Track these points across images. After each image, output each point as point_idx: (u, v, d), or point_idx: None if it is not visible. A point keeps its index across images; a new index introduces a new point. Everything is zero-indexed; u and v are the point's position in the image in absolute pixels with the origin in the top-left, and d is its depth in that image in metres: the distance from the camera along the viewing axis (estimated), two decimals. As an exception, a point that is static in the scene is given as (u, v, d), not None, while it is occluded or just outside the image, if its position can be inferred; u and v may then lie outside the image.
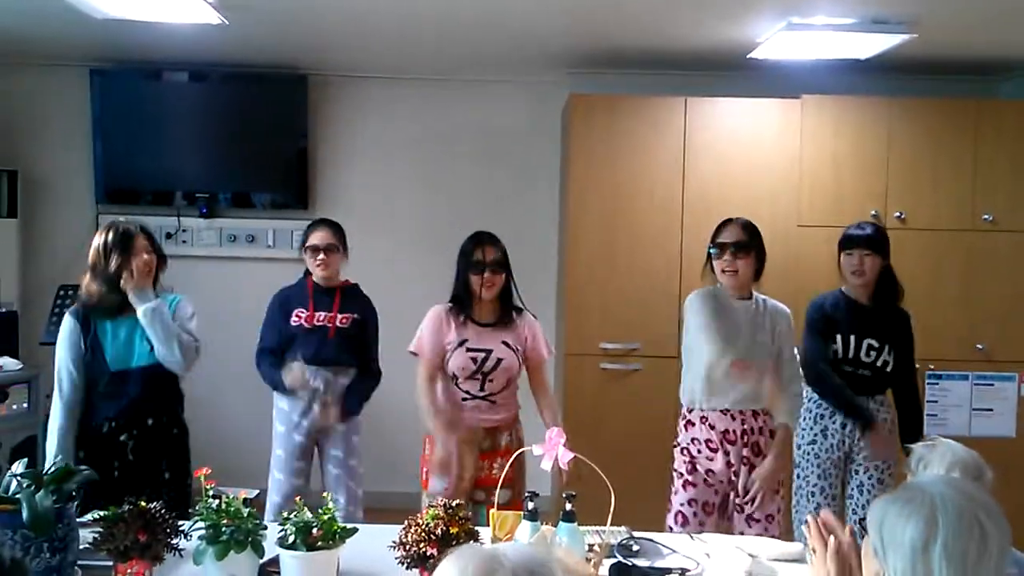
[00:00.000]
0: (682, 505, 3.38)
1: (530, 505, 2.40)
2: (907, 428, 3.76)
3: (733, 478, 3.34)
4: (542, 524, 2.45)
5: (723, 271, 3.37)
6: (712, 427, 3.37)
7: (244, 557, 2.23)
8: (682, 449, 3.44)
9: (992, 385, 4.80)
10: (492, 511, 2.62)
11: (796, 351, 3.51)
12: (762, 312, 3.43)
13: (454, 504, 2.33)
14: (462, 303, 3.45)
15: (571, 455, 2.49)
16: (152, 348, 3.26)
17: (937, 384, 4.79)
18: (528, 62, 5.14)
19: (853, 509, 3.78)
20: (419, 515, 2.32)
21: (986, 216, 4.77)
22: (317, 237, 3.92)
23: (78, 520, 2.36)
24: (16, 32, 4.70)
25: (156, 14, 3.99)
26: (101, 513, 2.29)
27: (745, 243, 3.36)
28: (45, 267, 5.31)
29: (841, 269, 3.80)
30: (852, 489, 3.81)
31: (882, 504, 1.63)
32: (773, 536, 3.20)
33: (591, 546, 2.47)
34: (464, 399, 3.43)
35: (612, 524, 2.50)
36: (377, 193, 5.51)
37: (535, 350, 3.51)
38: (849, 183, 4.79)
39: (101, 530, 2.25)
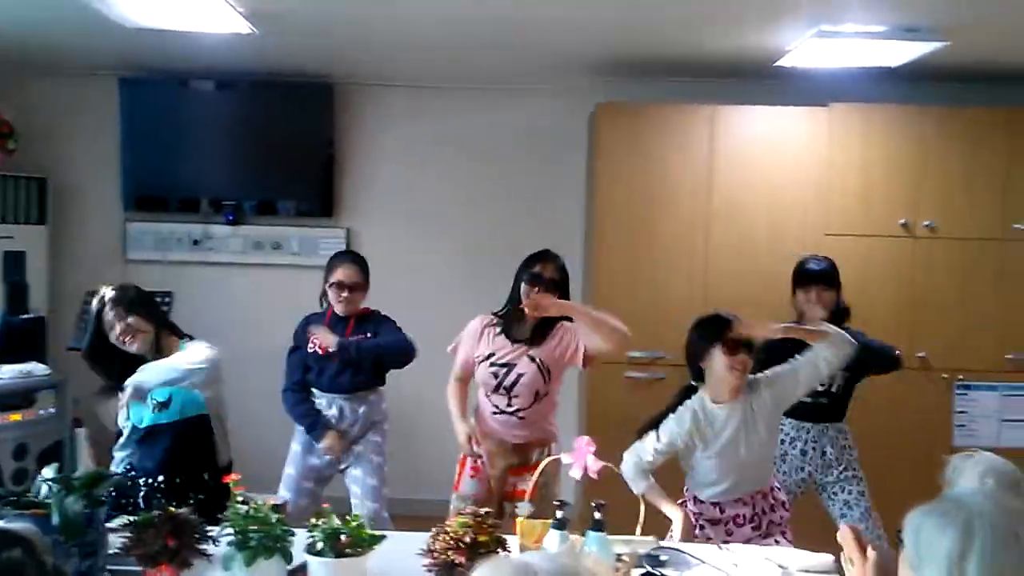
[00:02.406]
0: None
1: (559, 514, 2.39)
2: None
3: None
4: (570, 533, 2.44)
5: (734, 368, 3.03)
6: (722, 511, 3.15)
7: (272, 563, 2.24)
8: (699, 526, 3.17)
9: (1022, 396, 4.74)
10: (519, 519, 2.61)
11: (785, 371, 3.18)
12: (752, 408, 3.11)
13: (483, 512, 2.32)
14: (506, 316, 3.45)
15: (600, 464, 2.48)
16: (153, 409, 3.19)
17: (966, 395, 4.74)
18: (555, 70, 5.14)
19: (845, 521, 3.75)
20: (447, 523, 2.31)
21: (1017, 226, 4.71)
22: (343, 273, 3.82)
23: (108, 525, 2.37)
24: (47, 41, 4.75)
25: (186, 23, 4.01)
26: (131, 518, 2.30)
27: (751, 344, 3.06)
28: (74, 274, 5.35)
29: (796, 303, 3.82)
30: (840, 508, 3.81)
31: (919, 515, 1.61)
32: None
33: (619, 556, 2.45)
34: (493, 412, 3.44)
35: (641, 534, 2.49)
36: (402, 202, 5.51)
37: (572, 354, 3.41)
38: (878, 192, 4.75)
39: (130, 535, 2.26)
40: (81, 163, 5.49)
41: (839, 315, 3.77)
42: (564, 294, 3.42)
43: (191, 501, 3.13)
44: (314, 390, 3.88)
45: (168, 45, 4.56)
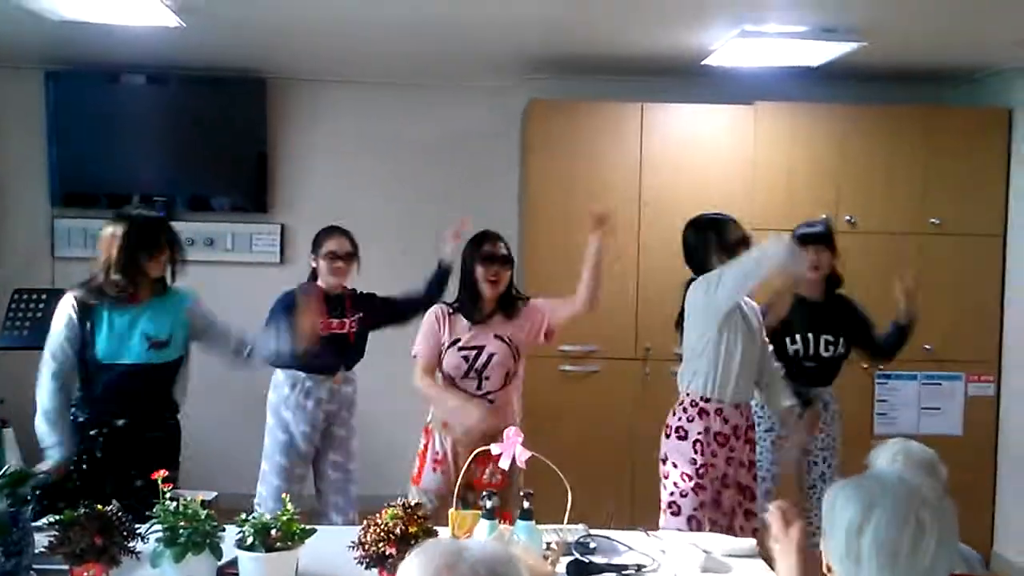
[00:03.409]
0: (695, 510, 3.36)
1: (488, 504, 2.44)
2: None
3: (729, 473, 3.39)
4: (500, 523, 2.49)
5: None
6: (726, 421, 3.39)
7: (202, 559, 2.24)
8: (695, 442, 3.37)
9: (940, 384, 4.92)
10: (451, 511, 2.65)
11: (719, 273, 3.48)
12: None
13: (412, 504, 2.36)
14: (462, 301, 3.46)
15: (528, 453, 2.52)
16: (148, 347, 3.14)
17: (886, 384, 4.90)
18: (488, 67, 5.18)
19: (819, 499, 3.85)
20: (377, 515, 2.33)
21: (934, 220, 4.88)
22: (336, 243, 3.85)
23: (33, 523, 2.35)
24: (-31, 33, 4.65)
25: (113, 16, 3.96)
26: (56, 517, 2.28)
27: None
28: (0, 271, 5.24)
29: None
30: (815, 480, 3.95)
31: (834, 488, 1.70)
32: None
33: (548, 544, 2.50)
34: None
35: (569, 522, 2.54)
36: (336, 197, 5.50)
37: (552, 324, 3.52)
38: (802, 188, 4.88)
39: (57, 533, 2.23)
40: (6, 158, 5.37)
41: (833, 282, 3.93)
42: (512, 267, 3.48)
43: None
44: (299, 373, 3.82)
45: (96, 38, 4.49)
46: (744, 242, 3.44)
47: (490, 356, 3.39)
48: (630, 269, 4.87)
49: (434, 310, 3.51)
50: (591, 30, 4.29)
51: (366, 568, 2.29)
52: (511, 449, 2.51)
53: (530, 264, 4.92)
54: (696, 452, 3.36)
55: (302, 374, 3.84)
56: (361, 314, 3.90)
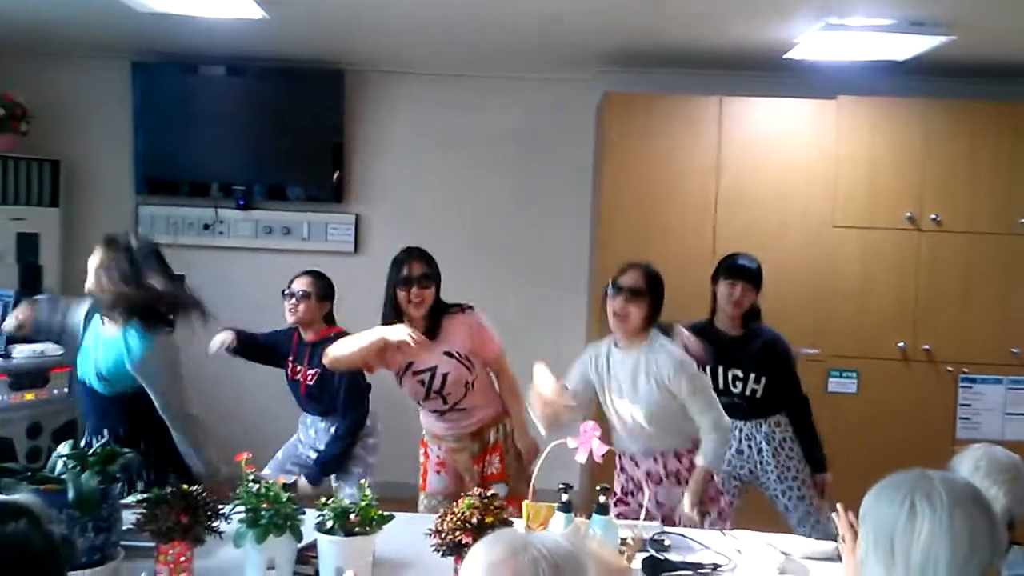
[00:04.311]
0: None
1: (564, 497, 2.43)
2: (809, 456, 3.73)
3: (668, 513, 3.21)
4: (575, 516, 2.48)
5: (614, 314, 3.14)
6: (637, 466, 3.25)
7: (283, 541, 2.27)
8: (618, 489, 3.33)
9: (1026, 389, 4.77)
10: (525, 502, 2.65)
11: (699, 391, 3.14)
12: (646, 361, 3.15)
13: (489, 494, 2.36)
14: (392, 323, 3.29)
15: (605, 448, 2.51)
16: (96, 378, 3.01)
17: (971, 388, 4.76)
18: (563, 59, 5.16)
19: (789, 520, 3.76)
20: (455, 505, 2.35)
21: (1023, 220, 4.72)
22: (297, 283, 3.82)
23: (121, 501, 2.41)
24: (61, 25, 4.79)
25: (199, 8, 4.05)
26: (144, 495, 2.34)
27: (640, 290, 3.14)
28: (86, 255, 5.34)
29: (716, 296, 3.72)
30: (782, 511, 3.78)
31: (870, 493, 1.69)
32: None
33: (624, 540, 2.49)
34: (435, 416, 3.43)
35: (645, 519, 2.52)
36: (409, 188, 5.55)
37: (480, 347, 3.36)
38: (885, 185, 4.77)
39: (144, 511, 2.29)
40: (94, 146, 5.53)
41: (752, 315, 3.72)
42: (436, 282, 3.34)
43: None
44: (302, 411, 3.96)
45: (180, 30, 4.59)
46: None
47: (444, 376, 3.31)
48: (706, 266, 4.79)
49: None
50: (669, 22, 4.25)
51: (442, 556, 2.31)
52: (587, 443, 2.50)
53: (603, 261, 4.88)
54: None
55: (304, 414, 3.97)
56: (320, 369, 3.75)
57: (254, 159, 5.51)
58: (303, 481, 3.75)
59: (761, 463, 3.76)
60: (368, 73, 5.51)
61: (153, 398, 2.98)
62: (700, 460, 3.10)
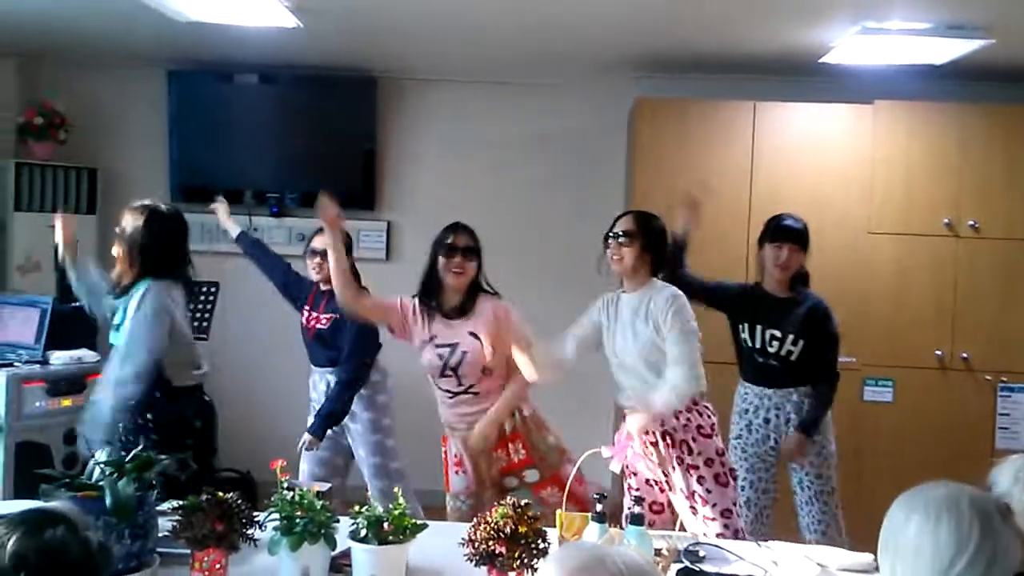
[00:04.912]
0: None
1: (598, 507, 2.41)
2: (806, 413, 3.67)
3: (664, 478, 3.19)
4: (609, 526, 2.46)
5: (612, 259, 3.29)
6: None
7: (317, 549, 2.27)
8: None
9: (1067, 399, 4.68)
10: (559, 511, 2.63)
11: (682, 336, 3.15)
12: (645, 303, 3.22)
13: (523, 504, 2.35)
14: (428, 292, 3.39)
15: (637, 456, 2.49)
16: (116, 328, 3.29)
17: (1009, 396, 4.69)
18: (596, 65, 5.14)
19: (798, 504, 3.76)
20: (488, 512, 2.34)
21: (1062, 226, 4.65)
22: (319, 241, 3.92)
23: (157, 508, 2.42)
24: (98, 34, 4.85)
25: (235, 17, 4.09)
26: (180, 502, 2.35)
27: (631, 232, 3.25)
28: (121, 263, 5.44)
29: (762, 258, 3.74)
30: (794, 486, 3.78)
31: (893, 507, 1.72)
32: (737, 530, 3.16)
33: (658, 551, 2.46)
34: (449, 401, 3.42)
35: (679, 529, 2.50)
36: (441, 195, 5.55)
37: (502, 337, 3.35)
38: (922, 191, 4.71)
39: (180, 518, 2.30)
40: (130, 154, 5.60)
41: (801, 279, 3.72)
42: (479, 260, 3.41)
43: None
44: (312, 366, 4.04)
45: (215, 39, 4.64)
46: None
47: (463, 355, 3.32)
48: (740, 271, 4.75)
49: (412, 302, 3.44)
50: (702, 27, 4.22)
51: (475, 566, 2.29)
52: (623, 452, 2.48)
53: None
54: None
55: (313, 368, 4.06)
56: (334, 315, 3.89)
57: (287, 166, 5.54)
58: (307, 436, 3.81)
59: (787, 435, 3.70)
60: (401, 80, 5.53)
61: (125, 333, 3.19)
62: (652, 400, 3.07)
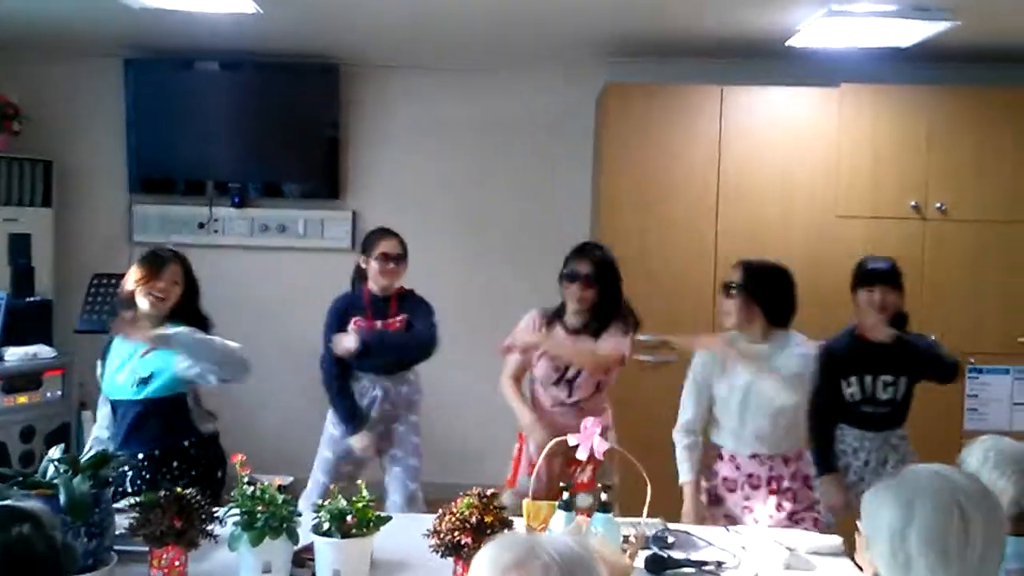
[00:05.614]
0: None
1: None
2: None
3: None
4: (577, 514, 2.43)
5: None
6: (738, 468, 3.29)
7: (279, 543, 2.23)
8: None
9: (1034, 379, 4.72)
10: (525, 500, 2.60)
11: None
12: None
13: (488, 493, 2.31)
14: (558, 310, 3.47)
15: (606, 444, 2.46)
16: (137, 384, 3.03)
17: (977, 378, 4.71)
18: (563, 50, 5.10)
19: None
20: (453, 504, 2.30)
21: (1030, 207, 4.67)
22: (389, 245, 3.81)
23: (114, 505, 2.36)
24: (52, 22, 4.73)
25: (191, 3, 3.99)
26: (137, 499, 2.30)
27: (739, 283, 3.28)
28: (80, 256, 5.34)
29: (858, 303, 3.61)
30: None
31: (870, 493, 1.67)
32: None
33: (626, 537, 2.43)
34: (552, 405, 3.45)
35: (648, 516, 2.47)
36: (408, 183, 5.49)
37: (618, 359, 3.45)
38: (888, 174, 4.71)
39: (137, 515, 2.25)
40: (87, 145, 5.48)
41: (899, 321, 3.57)
42: (606, 287, 3.40)
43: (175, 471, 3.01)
44: (356, 371, 3.84)
45: (172, 25, 4.54)
46: None
47: (579, 370, 3.39)
48: (708, 257, 4.75)
49: (535, 313, 3.51)
50: (670, 10, 4.19)
51: (441, 557, 2.26)
52: (589, 440, 2.44)
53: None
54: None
55: (358, 372, 3.84)
56: (405, 315, 3.83)
57: (249, 156, 5.45)
58: (350, 339, 3.68)
59: (882, 476, 3.59)
60: (363, 68, 5.45)
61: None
62: None
